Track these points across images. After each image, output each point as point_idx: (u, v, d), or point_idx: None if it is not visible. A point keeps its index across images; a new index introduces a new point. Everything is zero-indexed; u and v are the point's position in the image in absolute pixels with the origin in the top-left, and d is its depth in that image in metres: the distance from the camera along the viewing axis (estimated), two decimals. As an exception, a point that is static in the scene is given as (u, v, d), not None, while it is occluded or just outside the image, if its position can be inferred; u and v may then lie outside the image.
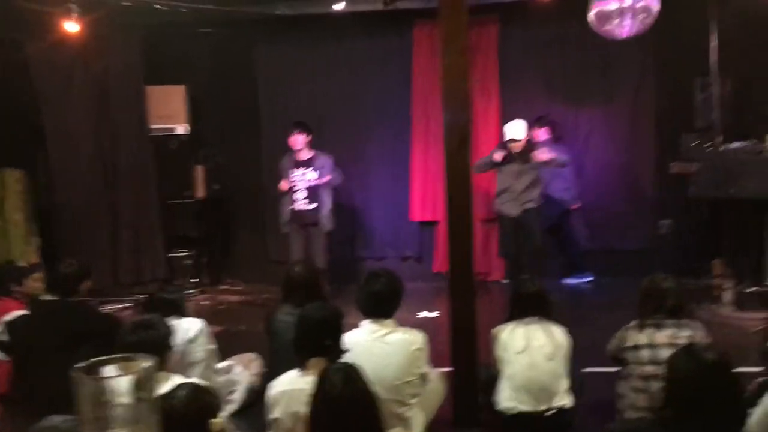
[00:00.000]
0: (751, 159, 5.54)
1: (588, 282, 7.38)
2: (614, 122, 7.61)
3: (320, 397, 2.29)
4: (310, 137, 6.71)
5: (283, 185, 6.71)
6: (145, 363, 1.36)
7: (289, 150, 6.77)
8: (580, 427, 3.69)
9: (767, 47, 6.89)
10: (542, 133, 7.10)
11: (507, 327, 3.72)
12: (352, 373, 2.34)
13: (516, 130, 6.47)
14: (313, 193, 6.69)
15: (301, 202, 6.70)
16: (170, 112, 7.50)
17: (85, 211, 7.26)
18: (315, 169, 6.67)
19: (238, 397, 4.27)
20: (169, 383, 2.54)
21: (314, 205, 6.71)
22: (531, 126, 6.88)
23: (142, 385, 1.32)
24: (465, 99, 3.53)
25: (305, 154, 6.71)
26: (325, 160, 6.75)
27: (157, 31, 7.28)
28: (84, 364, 1.33)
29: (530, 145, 6.60)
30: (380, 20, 7.41)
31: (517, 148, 6.48)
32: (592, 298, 6.99)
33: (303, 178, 6.69)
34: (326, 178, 6.68)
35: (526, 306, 3.73)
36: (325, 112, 7.87)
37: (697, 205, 7.11)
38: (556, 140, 7.22)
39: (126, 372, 1.34)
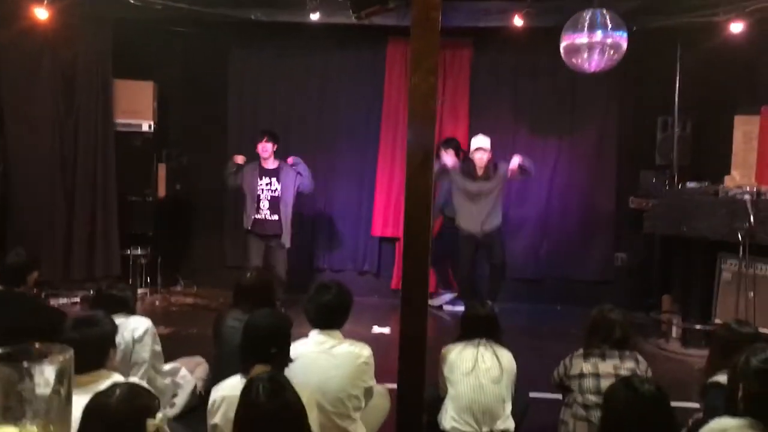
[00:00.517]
0: (704, 200, 5.68)
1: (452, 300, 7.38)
2: (579, 153, 7.76)
3: (245, 406, 2.25)
4: (276, 147, 6.69)
5: (238, 157, 6.73)
6: (65, 355, 1.33)
7: (256, 157, 6.75)
8: (520, 452, 3.72)
9: (727, 92, 7.12)
10: (448, 157, 7.08)
11: (456, 347, 3.74)
12: (279, 383, 2.30)
13: (483, 140, 6.58)
14: (275, 204, 6.68)
15: (264, 211, 6.69)
16: (137, 108, 7.42)
17: (41, 202, 7.09)
18: (281, 180, 6.68)
19: (181, 400, 4.21)
20: (109, 381, 2.50)
21: (276, 217, 6.69)
22: (438, 147, 7.02)
23: (61, 377, 1.29)
24: (430, 118, 3.54)
25: (271, 164, 6.70)
26: (293, 166, 6.76)
27: (130, 25, 7.19)
28: (1, 351, 1.29)
29: (491, 165, 6.66)
30: (355, 34, 7.46)
31: (482, 161, 6.55)
32: (545, 324, 7.06)
33: (269, 188, 6.68)
34: (306, 181, 6.76)
35: (476, 328, 3.76)
36: (293, 121, 7.87)
37: (651, 241, 7.27)
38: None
39: (45, 362, 1.30)
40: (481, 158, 6.63)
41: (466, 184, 6.76)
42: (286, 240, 6.72)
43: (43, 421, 1.31)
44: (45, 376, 1.32)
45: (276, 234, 6.69)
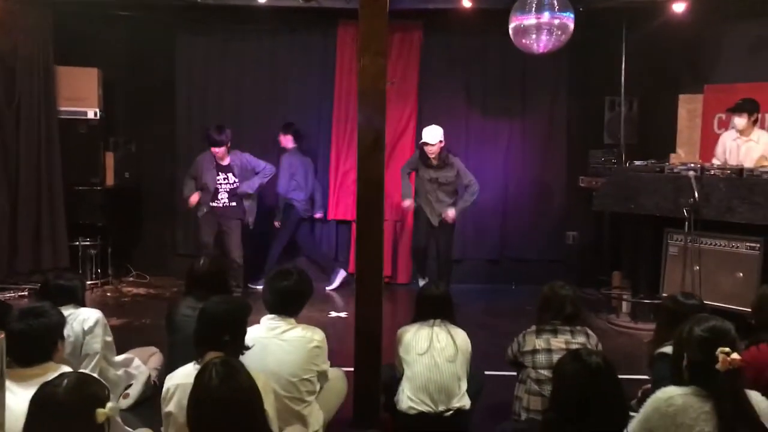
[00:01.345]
0: (650, 177, 5.80)
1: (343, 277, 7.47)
2: (530, 134, 7.85)
3: (198, 391, 2.23)
4: (229, 144, 6.72)
5: (193, 199, 6.72)
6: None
7: (206, 156, 6.73)
8: (476, 428, 3.77)
9: (672, 71, 7.28)
10: (287, 140, 7.26)
11: (411, 328, 3.77)
12: (232, 368, 2.28)
13: (431, 134, 6.52)
14: (233, 195, 6.78)
15: (223, 200, 6.77)
16: (81, 95, 7.22)
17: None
18: (237, 174, 6.74)
19: (135, 390, 4.16)
20: (57, 373, 2.45)
21: (234, 203, 6.79)
22: (278, 131, 7.25)
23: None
24: (380, 101, 3.55)
25: (226, 160, 6.74)
26: (242, 159, 6.80)
27: (72, 10, 7.00)
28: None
29: (445, 154, 6.64)
30: (304, 17, 7.39)
31: (431, 152, 6.53)
32: (500, 303, 7.16)
33: (226, 183, 6.75)
34: (269, 170, 6.91)
35: (431, 308, 3.79)
36: (244, 106, 7.78)
37: (601, 219, 7.42)
38: (304, 151, 7.46)
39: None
40: (428, 150, 6.57)
41: (425, 171, 6.70)
42: (249, 217, 6.87)
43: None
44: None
45: (234, 217, 6.78)
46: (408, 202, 6.77)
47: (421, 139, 6.62)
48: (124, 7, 7.06)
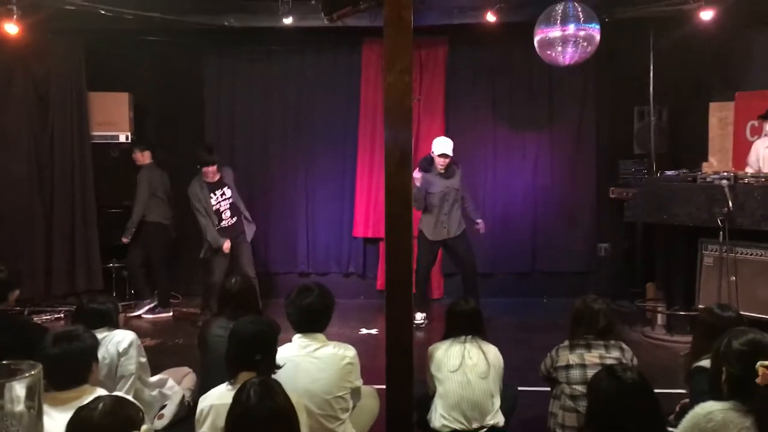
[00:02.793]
0: (683, 187, 5.71)
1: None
2: (558, 146, 7.79)
3: (237, 411, 2.24)
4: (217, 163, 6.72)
5: (227, 246, 6.63)
6: (33, 371, 1.32)
7: (198, 175, 6.67)
8: (511, 446, 3.73)
9: (701, 79, 7.19)
10: (145, 156, 7.15)
11: (442, 345, 3.75)
12: (270, 387, 2.30)
13: (446, 146, 6.47)
14: (234, 209, 6.76)
15: (227, 220, 6.73)
16: (113, 120, 7.38)
17: (19, 218, 7.04)
18: (230, 188, 6.72)
19: (170, 411, 4.18)
20: (93, 397, 2.47)
21: (235, 219, 6.77)
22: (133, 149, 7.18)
23: (31, 393, 1.28)
24: (407, 117, 3.54)
25: (216, 176, 6.68)
26: (230, 174, 6.80)
27: (101, 37, 7.15)
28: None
29: (451, 164, 6.57)
30: (329, 36, 7.46)
31: (443, 164, 6.48)
32: (532, 317, 7.08)
33: (223, 199, 6.71)
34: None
35: (462, 324, 3.77)
36: (271, 126, 7.86)
37: (633, 230, 7.32)
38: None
39: (14, 379, 1.29)
40: (440, 162, 6.51)
41: (435, 184, 6.55)
42: (249, 235, 6.82)
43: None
44: (15, 392, 1.30)
45: (240, 232, 6.77)
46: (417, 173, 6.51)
47: (437, 150, 6.48)
48: (152, 32, 7.19)
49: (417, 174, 6.32)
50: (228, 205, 6.71)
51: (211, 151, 6.66)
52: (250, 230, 6.86)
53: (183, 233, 7.51)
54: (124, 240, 7.07)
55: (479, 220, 6.73)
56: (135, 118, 7.50)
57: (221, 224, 6.69)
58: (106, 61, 7.46)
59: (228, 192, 6.70)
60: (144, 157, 7.15)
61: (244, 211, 6.82)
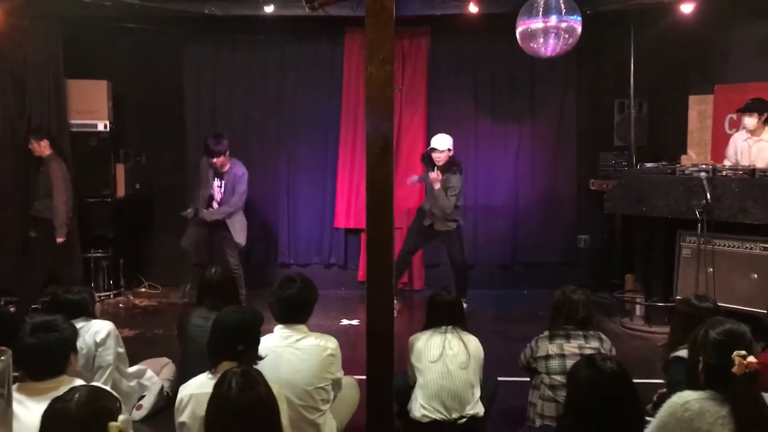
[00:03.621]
0: (662, 179, 5.76)
1: None
2: (539, 138, 7.82)
3: (217, 400, 2.23)
4: (228, 152, 6.56)
5: (191, 214, 6.68)
6: (2, 357, 1.30)
7: (206, 161, 6.59)
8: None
9: (681, 73, 7.24)
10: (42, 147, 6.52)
11: (423, 336, 3.76)
12: (251, 377, 2.29)
13: (439, 141, 6.51)
14: (221, 204, 6.65)
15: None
16: (91, 108, 7.26)
17: (-4, 207, 6.93)
18: (227, 182, 6.59)
19: (148, 402, 4.17)
20: (70, 387, 2.45)
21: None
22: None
23: (1, 379, 1.26)
24: (388, 108, 3.53)
25: (226, 167, 6.58)
26: (238, 170, 6.61)
27: (80, 23, 7.05)
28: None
29: (450, 162, 6.57)
30: (311, 26, 7.42)
31: (439, 159, 6.50)
32: (512, 309, 7.12)
33: (219, 189, 6.65)
34: (238, 192, 6.61)
35: (442, 315, 3.78)
36: (252, 115, 7.80)
37: (612, 222, 7.38)
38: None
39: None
40: (436, 158, 6.53)
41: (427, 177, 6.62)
42: (239, 238, 6.65)
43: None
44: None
45: (224, 227, 6.63)
46: (414, 177, 6.82)
47: (430, 145, 6.60)
48: (131, 19, 7.11)
49: (413, 178, 6.77)
50: (219, 198, 6.63)
51: (218, 142, 6.47)
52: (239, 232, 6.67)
53: (170, 222, 7.43)
54: (60, 240, 6.43)
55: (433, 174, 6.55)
56: (114, 107, 7.40)
57: (205, 209, 6.63)
58: (84, 49, 7.36)
59: (224, 186, 6.59)
60: (43, 148, 6.48)
61: (231, 207, 6.62)
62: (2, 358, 1.28)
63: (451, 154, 6.55)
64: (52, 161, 6.50)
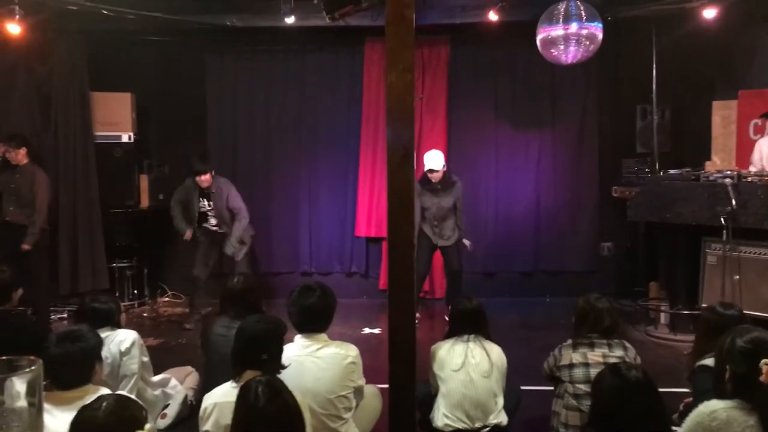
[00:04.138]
0: (686, 186, 5.70)
1: None
2: (561, 145, 7.78)
3: (245, 410, 2.23)
4: (213, 171, 6.65)
5: (188, 235, 6.68)
6: (34, 366, 1.31)
7: (190, 181, 6.63)
8: (514, 445, 3.72)
9: (704, 78, 7.18)
10: (20, 156, 6.38)
11: (445, 344, 3.74)
12: (275, 386, 2.30)
13: (435, 160, 6.43)
14: (220, 219, 6.69)
15: (212, 227, 6.72)
16: (116, 120, 7.38)
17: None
18: (215, 200, 6.63)
19: (173, 410, 4.19)
20: (96, 395, 2.47)
21: (223, 230, 6.71)
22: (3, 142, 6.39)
23: (32, 389, 1.28)
24: (408, 116, 3.54)
25: (207, 185, 6.62)
26: (222, 187, 6.63)
27: (104, 37, 7.16)
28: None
29: (447, 176, 6.56)
30: (331, 36, 7.46)
31: (436, 178, 6.48)
32: (535, 317, 7.08)
33: (210, 207, 6.68)
34: (237, 209, 6.65)
35: (464, 323, 3.76)
36: (274, 125, 7.86)
37: (636, 229, 7.31)
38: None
39: (14, 375, 1.29)
40: (432, 177, 6.46)
41: (427, 198, 6.57)
42: (236, 252, 6.67)
43: (17, 433, 1.30)
44: (15, 388, 1.30)
45: (225, 238, 6.68)
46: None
47: (426, 165, 6.47)
48: (154, 32, 7.19)
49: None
50: (214, 214, 6.69)
51: (205, 159, 6.64)
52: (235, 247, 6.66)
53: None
54: (26, 247, 6.25)
55: (466, 241, 6.68)
56: (138, 119, 7.50)
57: (203, 225, 6.72)
58: (108, 61, 7.47)
59: (212, 204, 6.64)
60: (20, 157, 6.35)
61: (234, 231, 6.63)
62: (33, 367, 1.30)
63: (445, 169, 6.51)
64: (37, 171, 6.43)
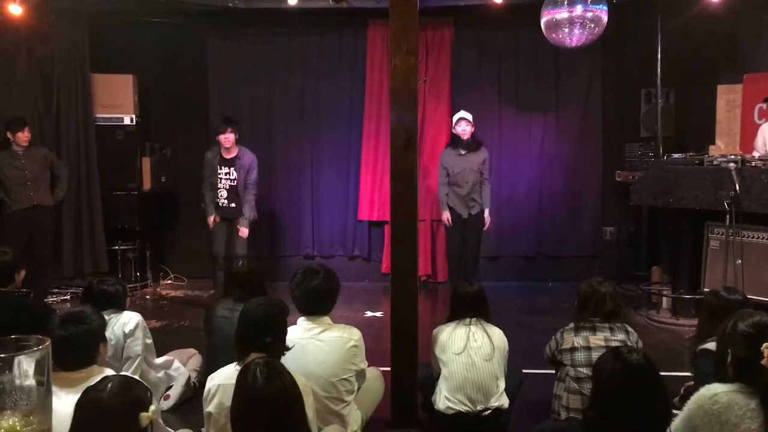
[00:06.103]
0: (689, 170, 5.69)
1: None
2: (564, 129, 7.76)
3: (243, 391, 2.24)
4: (238, 135, 6.59)
5: (211, 221, 6.63)
6: (42, 345, 1.32)
7: (215, 145, 6.62)
8: (515, 428, 3.74)
9: (709, 62, 7.13)
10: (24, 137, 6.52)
11: (447, 328, 3.75)
12: (273, 367, 2.30)
13: (465, 113, 6.54)
14: (233, 193, 6.62)
15: (223, 200, 6.65)
16: (117, 102, 7.36)
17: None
18: (237, 170, 6.58)
19: (176, 392, 4.22)
20: (101, 377, 2.48)
21: (234, 205, 6.65)
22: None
23: (40, 367, 1.28)
24: (412, 99, 3.54)
25: (231, 152, 6.59)
26: (248, 158, 6.63)
27: (105, 18, 7.13)
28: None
29: (475, 137, 6.60)
30: (334, 18, 7.42)
31: (466, 132, 6.49)
32: (537, 301, 7.10)
33: (227, 178, 6.62)
34: (252, 181, 6.63)
35: (466, 307, 3.76)
36: (276, 108, 7.84)
37: (639, 213, 7.31)
38: None
39: (23, 354, 1.30)
40: (464, 130, 6.53)
41: (455, 159, 6.59)
42: (244, 225, 6.62)
43: (24, 412, 1.31)
44: (24, 367, 1.31)
45: (235, 218, 6.65)
46: (446, 215, 6.63)
47: (457, 115, 6.60)
48: (156, 13, 7.16)
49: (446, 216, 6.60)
50: (228, 186, 6.61)
51: (228, 121, 6.56)
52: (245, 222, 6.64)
53: (195, 215, 7.49)
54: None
55: (487, 215, 6.67)
56: (140, 101, 7.48)
57: (217, 200, 6.64)
58: (110, 43, 7.44)
59: (234, 173, 6.58)
60: (24, 140, 6.50)
61: (248, 201, 6.64)
62: (41, 347, 1.30)
63: (473, 130, 6.56)
64: (38, 148, 6.70)
